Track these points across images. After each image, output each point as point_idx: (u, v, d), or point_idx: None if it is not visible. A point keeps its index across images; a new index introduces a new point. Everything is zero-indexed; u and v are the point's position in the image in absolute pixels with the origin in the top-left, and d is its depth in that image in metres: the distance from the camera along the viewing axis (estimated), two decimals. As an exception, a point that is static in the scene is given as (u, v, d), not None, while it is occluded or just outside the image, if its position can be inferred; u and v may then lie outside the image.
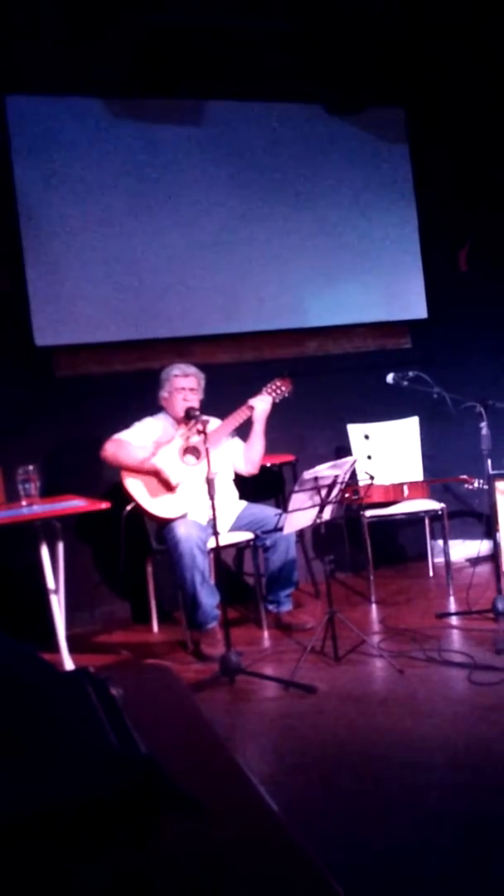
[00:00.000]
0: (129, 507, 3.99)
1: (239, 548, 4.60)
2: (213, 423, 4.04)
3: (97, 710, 1.09)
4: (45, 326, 4.38)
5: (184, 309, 4.70)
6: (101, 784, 0.97)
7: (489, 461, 3.80)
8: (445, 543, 4.49)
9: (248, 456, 4.16)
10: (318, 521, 3.50)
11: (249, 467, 4.19)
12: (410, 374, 3.99)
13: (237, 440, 4.21)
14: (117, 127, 4.55)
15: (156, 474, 3.91)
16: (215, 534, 3.48)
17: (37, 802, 0.94)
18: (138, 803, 0.96)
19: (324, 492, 3.39)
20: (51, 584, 3.71)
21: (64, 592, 3.78)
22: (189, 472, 3.96)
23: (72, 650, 3.78)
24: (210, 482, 3.40)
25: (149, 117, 4.63)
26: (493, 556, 3.87)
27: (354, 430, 4.89)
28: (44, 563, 3.67)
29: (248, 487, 4.38)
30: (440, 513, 4.49)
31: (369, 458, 4.76)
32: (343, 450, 4.87)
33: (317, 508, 3.44)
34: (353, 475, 3.75)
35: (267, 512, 4.08)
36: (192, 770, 1.11)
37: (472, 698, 3.09)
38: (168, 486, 3.91)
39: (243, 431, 4.18)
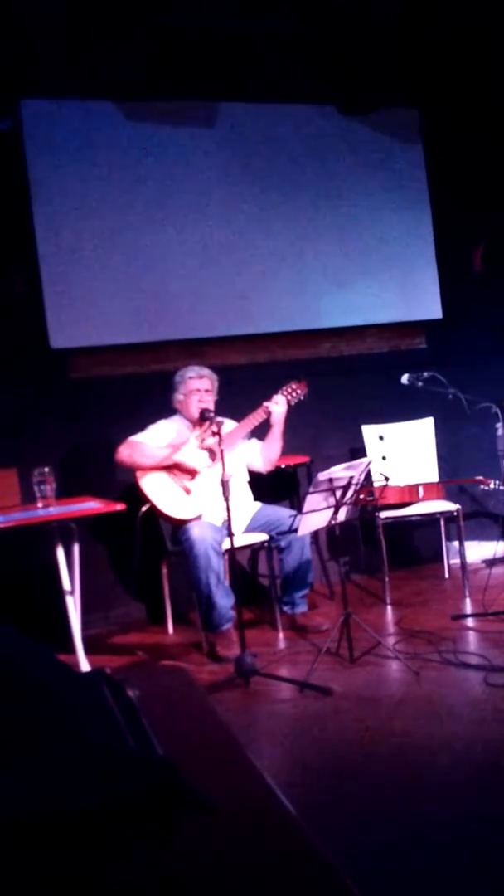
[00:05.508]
0: (144, 509, 4.00)
1: (254, 549, 4.60)
2: (228, 424, 4.05)
3: (114, 712, 1.09)
4: (60, 329, 4.40)
5: (197, 311, 4.71)
6: (118, 786, 0.97)
7: (505, 462, 3.79)
8: (461, 545, 4.47)
9: (266, 455, 4.19)
10: (333, 522, 3.50)
11: (268, 465, 4.23)
12: (425, 374, 3.97)
13: (254, 440, 4.22)
14: (130, 129, 4.57)
15: (177, 467, 3.93)
16: (230, 535, 3.49)
17: (54, 804, 0.94)
18: (155, 805, 0.97)
19: (339, 493, 3.39)
20: (66, 585, 3.73)
21: (80, 593, 3.80)
22: (204, 474, 3.97)
23: (87, 651, 3.80)
24: (225, 484, 3.40)
25: (161, 119, 4.64)
26: (509, 558, 3.85)
27: (369, 431, 4.87)
28: (60, 565, 3.69)
29: (263, 489, 4.39)
30: (455, 514, 4.47)
31: (384, 459, 4.74)
32: (358, 451, 4.85)
33: (331, 510, 3.43)
34: (368, 476, 3.74)
35: (281, 513, 4.08)
36: (208, 771, 1.11)
37: (488, 700, 3.07)
38: (191, 475, 3.94)
39: (256, 432, 4.18)
